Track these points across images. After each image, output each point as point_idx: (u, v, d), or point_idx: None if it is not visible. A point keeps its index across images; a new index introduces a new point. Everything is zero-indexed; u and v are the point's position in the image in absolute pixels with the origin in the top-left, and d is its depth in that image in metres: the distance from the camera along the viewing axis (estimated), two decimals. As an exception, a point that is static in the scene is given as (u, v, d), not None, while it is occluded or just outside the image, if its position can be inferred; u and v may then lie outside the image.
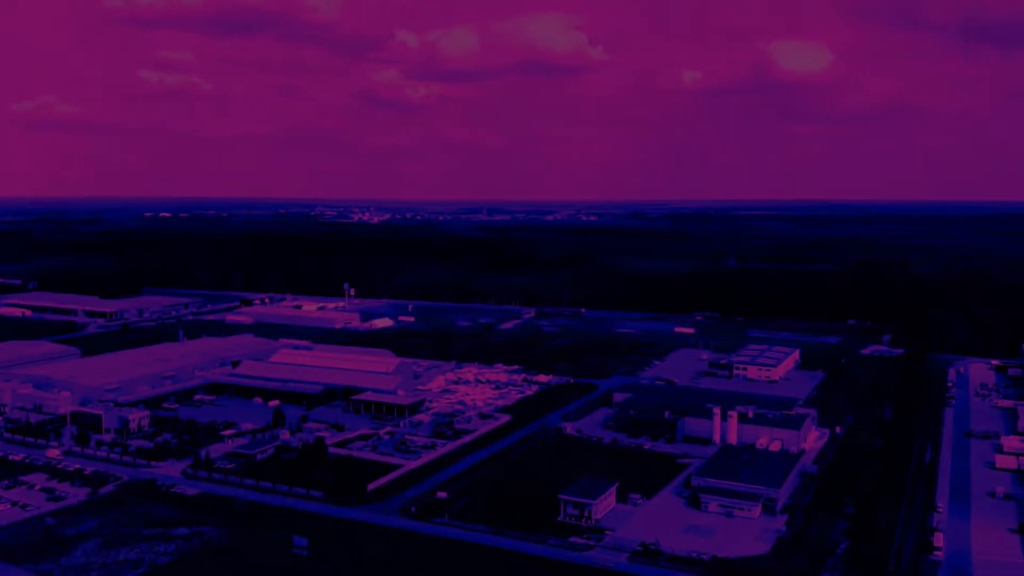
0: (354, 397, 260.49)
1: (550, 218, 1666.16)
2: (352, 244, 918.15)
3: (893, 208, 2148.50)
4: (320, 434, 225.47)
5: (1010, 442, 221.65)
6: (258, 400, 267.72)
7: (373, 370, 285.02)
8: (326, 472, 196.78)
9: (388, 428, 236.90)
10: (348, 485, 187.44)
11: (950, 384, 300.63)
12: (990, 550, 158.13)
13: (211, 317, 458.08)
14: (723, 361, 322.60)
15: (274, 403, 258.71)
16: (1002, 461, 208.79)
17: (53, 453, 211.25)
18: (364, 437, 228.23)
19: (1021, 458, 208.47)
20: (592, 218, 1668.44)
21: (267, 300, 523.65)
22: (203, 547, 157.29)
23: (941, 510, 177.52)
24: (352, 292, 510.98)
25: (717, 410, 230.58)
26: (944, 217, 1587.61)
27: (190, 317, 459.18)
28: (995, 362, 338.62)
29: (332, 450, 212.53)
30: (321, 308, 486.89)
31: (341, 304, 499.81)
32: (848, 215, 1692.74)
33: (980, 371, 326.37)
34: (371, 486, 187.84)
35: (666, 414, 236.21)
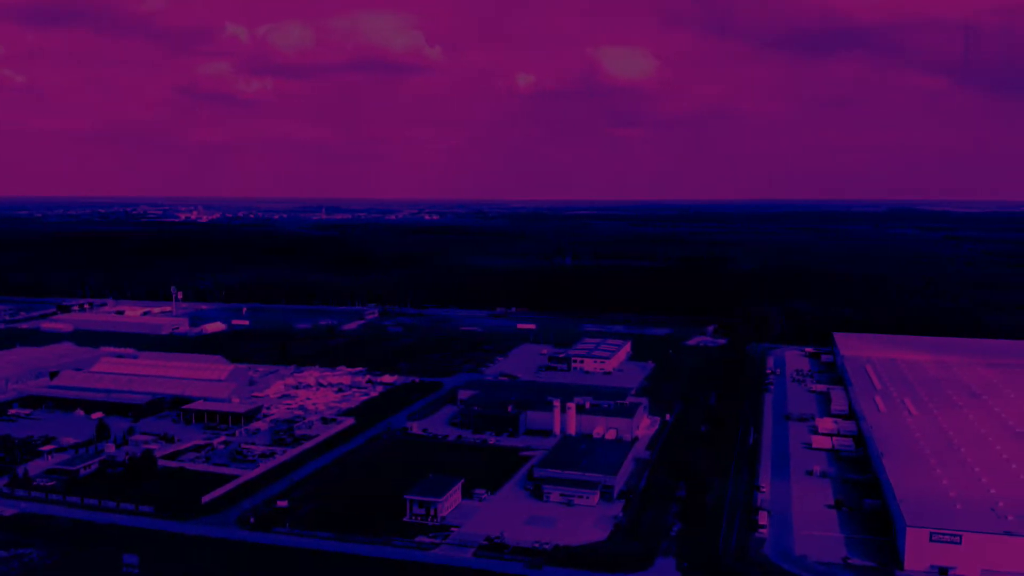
0: (185, 407, 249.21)
1: (392, 217, 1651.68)
2: (179, 245, 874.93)
3: (715, 207, 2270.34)
4: (148, 446, 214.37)
5: (824, 424, 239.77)
6: (80, 413, 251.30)
7: (205, 377, 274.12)
8: (156, 486, 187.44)
9: (223, 438, 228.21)
10: (180, 499, 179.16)
11: (769, 371, 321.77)
12: (810, 525, 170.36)
13: (25, 325, 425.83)
14: (562, 355, 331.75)
15: (97, 415, 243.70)
16: (818, 441, 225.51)
17: None
18: (197, 448, 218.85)
19: (835, 438, 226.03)
20: (434, 217, 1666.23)
21: (87, 306, 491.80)
22: (24, 570, 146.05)
23: (764, 490, 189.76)
24: (180, 295, 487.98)
25: (557, 402, 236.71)
26: (760, 215, 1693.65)
27: (2, 326, 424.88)
28: (809, 350, 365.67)
29: (162, 463, 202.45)
30: (146, 313, 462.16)
31: (168, 308, 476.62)
32: (673, 214, 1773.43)
33: (795, 358, 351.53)
34: (205, 498, 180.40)
35: (509, 409, 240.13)
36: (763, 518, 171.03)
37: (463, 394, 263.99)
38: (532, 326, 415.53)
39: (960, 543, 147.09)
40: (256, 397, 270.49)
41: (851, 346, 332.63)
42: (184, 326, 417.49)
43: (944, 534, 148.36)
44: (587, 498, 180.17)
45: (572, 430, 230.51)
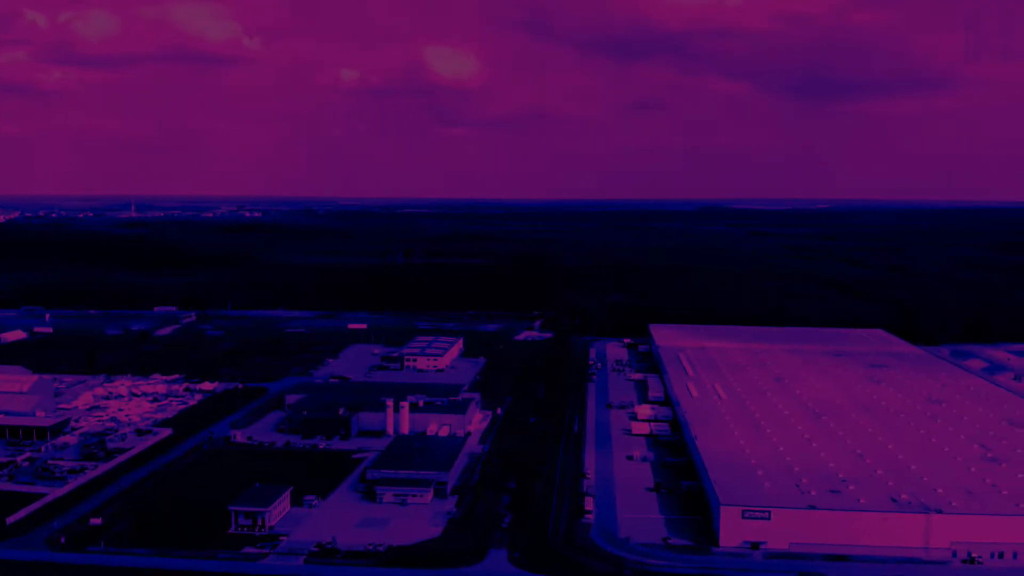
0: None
1: (210, 214, 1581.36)
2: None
3: (538, 206, 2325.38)
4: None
5: (642, 410, 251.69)
6: None
7: (5, 390, 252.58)
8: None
9: (27, 454, 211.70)
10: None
11: (591, 362, 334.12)
12: (632, 508, 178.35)
13: None
14: (394, 354, 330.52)
15: None
16: (637, 428, 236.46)
17: None
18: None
19: (652, 424, 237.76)
20: (256, 215, 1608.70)
21: None
22: None
23: (589, 476, 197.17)
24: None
25: (390, 402, 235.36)
26: (581, 214, 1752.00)
27: None
28: (627, 341, 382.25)
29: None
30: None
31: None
32: (500, 213, 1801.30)
33: (615, 349, 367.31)
34: (10, 519, 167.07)
35: (340, 411, 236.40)
36: (589, 504, 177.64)
37: (291, 398, 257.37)
38: (363, 326, 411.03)
39: (769, 519, 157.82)
40: (63, 409, 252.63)
41: (665, 336, 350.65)
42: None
43: (755, 511, 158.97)
44: (421, 496, 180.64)
45: (406, 429, 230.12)
